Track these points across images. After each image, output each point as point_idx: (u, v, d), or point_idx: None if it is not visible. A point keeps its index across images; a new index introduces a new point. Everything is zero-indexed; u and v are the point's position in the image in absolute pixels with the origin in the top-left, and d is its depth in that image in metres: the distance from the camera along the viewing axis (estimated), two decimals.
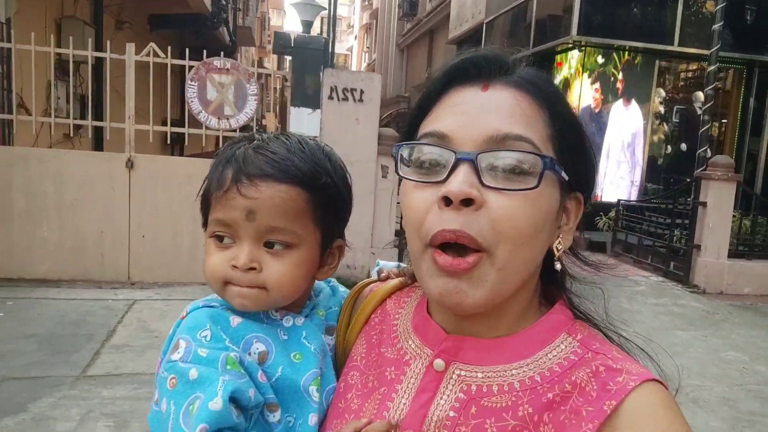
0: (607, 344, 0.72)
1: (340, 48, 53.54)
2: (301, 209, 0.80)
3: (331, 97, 6.05)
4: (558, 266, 0.73)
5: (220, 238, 0.81)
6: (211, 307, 0.82)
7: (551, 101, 0.70)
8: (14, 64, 5.79)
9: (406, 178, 0.70)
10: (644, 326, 5.44)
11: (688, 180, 8.42)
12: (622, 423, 0.63)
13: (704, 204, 7.19)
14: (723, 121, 11.09)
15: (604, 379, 0.66)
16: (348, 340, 0.88)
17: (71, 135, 6.74)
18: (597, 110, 10.49)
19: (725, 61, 9.44)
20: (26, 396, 3.43)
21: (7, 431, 3.10)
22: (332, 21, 11.03)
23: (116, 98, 6.38)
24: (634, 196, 10.54)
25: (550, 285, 0.78)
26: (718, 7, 7.85)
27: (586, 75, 10.42)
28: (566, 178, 0.69)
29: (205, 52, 5.91)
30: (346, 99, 6.07)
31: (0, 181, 5.64)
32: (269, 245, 0.80)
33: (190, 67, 5.83)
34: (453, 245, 0.65)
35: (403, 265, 0.94)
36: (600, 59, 10.44)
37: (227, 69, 5.86)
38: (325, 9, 11.21)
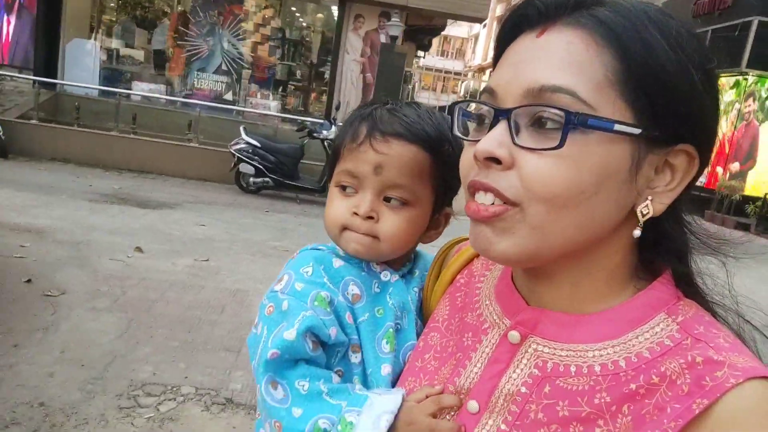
0: (715, 330, 0.60)
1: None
2: (423, 170, 0.86)
3: None
4: (637, 233, 0.62)
5: (344, 188, 0.89)
6: (319, 250, 0.91)
7: (622, 37, 0.56)
8: None
9: (457, 136, 0.68)
10: None
11: None
12: (714, 427, 0.53)
13: None
14: None
15: (700, 372, 0.56)
16: (434, 296, 0.88)
17: None
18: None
19: None
20: None
21: None
22: None
23: None
24: None
25: (656, 256, 0.65)
26: None
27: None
28: (635, 132, 0.56)
29: None
30: None
31: None
32: (388, 200, 0.86)
33: None
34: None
35: None
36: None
37: None
38: None
